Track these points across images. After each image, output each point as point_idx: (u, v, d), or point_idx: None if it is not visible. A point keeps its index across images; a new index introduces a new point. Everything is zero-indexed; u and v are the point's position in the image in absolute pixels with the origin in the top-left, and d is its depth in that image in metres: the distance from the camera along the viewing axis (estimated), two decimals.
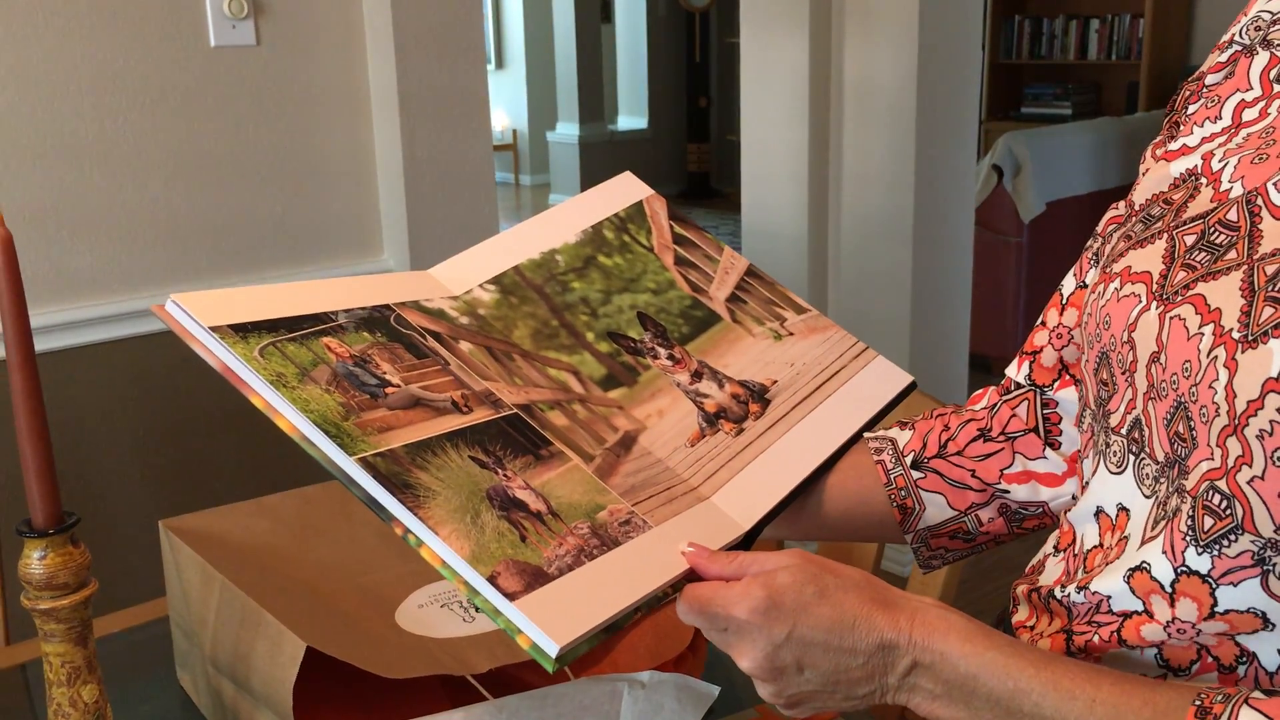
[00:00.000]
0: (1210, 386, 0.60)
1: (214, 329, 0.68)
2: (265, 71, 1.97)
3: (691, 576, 0.69)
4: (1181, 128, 0.77)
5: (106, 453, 1.90)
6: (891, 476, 0.87)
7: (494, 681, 0.95)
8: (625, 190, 0.99)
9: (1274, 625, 0.60)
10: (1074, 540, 0.75)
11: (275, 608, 0.91)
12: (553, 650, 0.61)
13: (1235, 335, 0.59)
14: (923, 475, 0.86)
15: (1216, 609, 0.61)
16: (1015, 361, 0.88)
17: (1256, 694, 0.58)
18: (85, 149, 1.83)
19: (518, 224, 0.92)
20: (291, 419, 0.66)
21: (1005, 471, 0.86)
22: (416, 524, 0.64)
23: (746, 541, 0.75)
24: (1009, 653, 0.62)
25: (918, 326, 3.16)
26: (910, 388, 0.93)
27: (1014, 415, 0.86)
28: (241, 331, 0.69)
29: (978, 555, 0.90)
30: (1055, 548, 0.79)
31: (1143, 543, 0.66)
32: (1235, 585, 0.60)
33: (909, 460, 0.87)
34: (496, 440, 0.72)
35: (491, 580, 0.62)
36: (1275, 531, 0.58)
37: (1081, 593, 0.69)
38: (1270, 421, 0.57)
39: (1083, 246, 0.84)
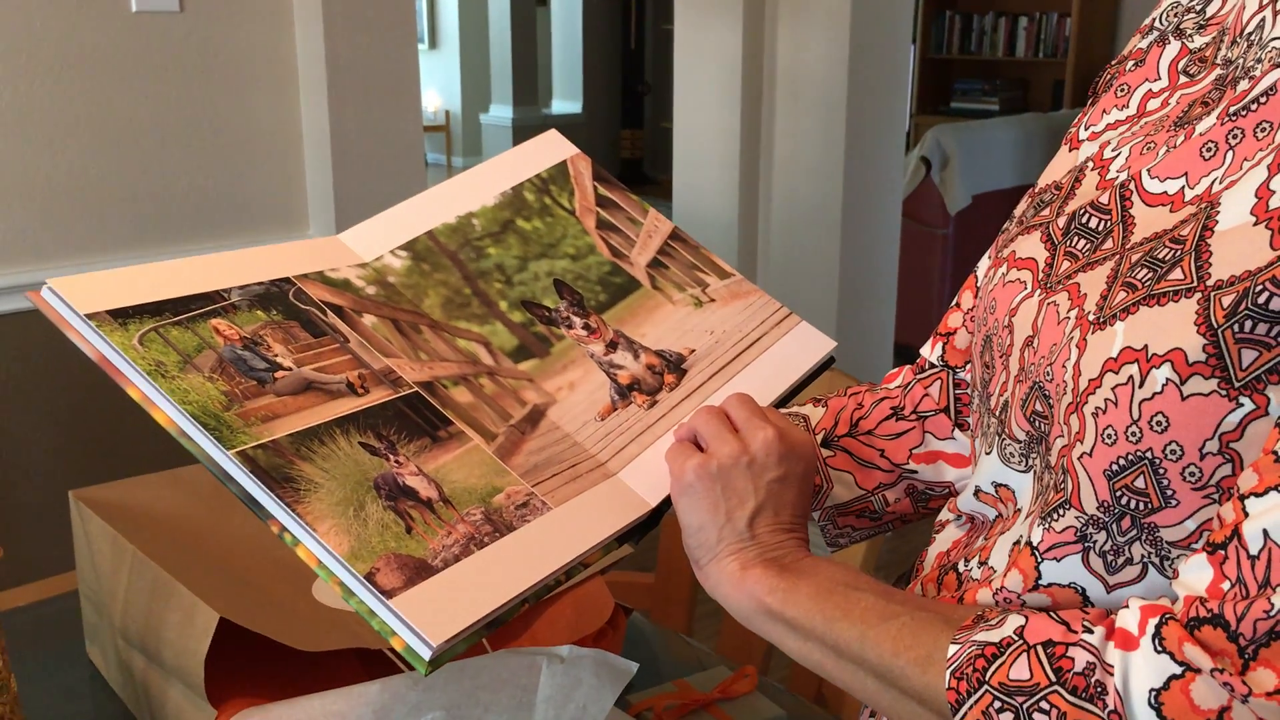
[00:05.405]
0: (1063, 366, 0.61)
1: (91, 316, 0.64)
2: (188, 38, 1.93)
3: (585, 561, 0.68)
4: (1093, 114, 0.77)
5: (17, 423, 1.85)
6: None
7: None
8: (549, 149, 0.95)
9: (1091, 604, 0.61)
10: (970, 516, 0.76)
11: (188, 579, 0.90)
12: (426, 654, 0.59)
13: (1091, 318, 0.61)
14: (832, 454, 0.86)
15: (1040, 582, 0.63)
16: (930, 341, 0.88)
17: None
18: None
19: (437, 184, 0.89)
20: (168, 411, 0.63)
21: (914, 451, 0.86)
22: (293, 521, 0.61)
23: (653, 519, 0.73)
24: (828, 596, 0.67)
25: (844, 314, 3.19)
26: (830, 357, 0.91)
27: (926, 394, 0.86)
28: (121, 317, 0.65)
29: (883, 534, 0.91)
30: (950, 514, 0.80)
31: (1026, 516, 0.67)
32: (1059, 561, 0.62)
33: (819, 438, 0.86)
34: (392, 423, 0.69)
35: (370, 577, 0.59)
36: (1098, 509, 0.59)
37: (980, 567, 0.70)
38: (1105, 400, 0.58)
39: None
